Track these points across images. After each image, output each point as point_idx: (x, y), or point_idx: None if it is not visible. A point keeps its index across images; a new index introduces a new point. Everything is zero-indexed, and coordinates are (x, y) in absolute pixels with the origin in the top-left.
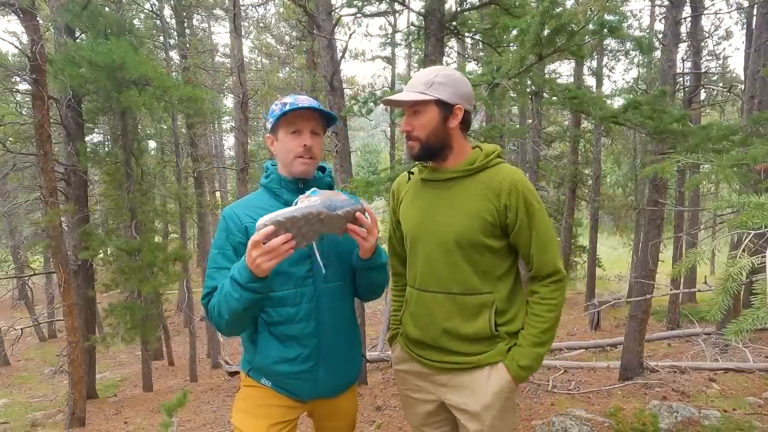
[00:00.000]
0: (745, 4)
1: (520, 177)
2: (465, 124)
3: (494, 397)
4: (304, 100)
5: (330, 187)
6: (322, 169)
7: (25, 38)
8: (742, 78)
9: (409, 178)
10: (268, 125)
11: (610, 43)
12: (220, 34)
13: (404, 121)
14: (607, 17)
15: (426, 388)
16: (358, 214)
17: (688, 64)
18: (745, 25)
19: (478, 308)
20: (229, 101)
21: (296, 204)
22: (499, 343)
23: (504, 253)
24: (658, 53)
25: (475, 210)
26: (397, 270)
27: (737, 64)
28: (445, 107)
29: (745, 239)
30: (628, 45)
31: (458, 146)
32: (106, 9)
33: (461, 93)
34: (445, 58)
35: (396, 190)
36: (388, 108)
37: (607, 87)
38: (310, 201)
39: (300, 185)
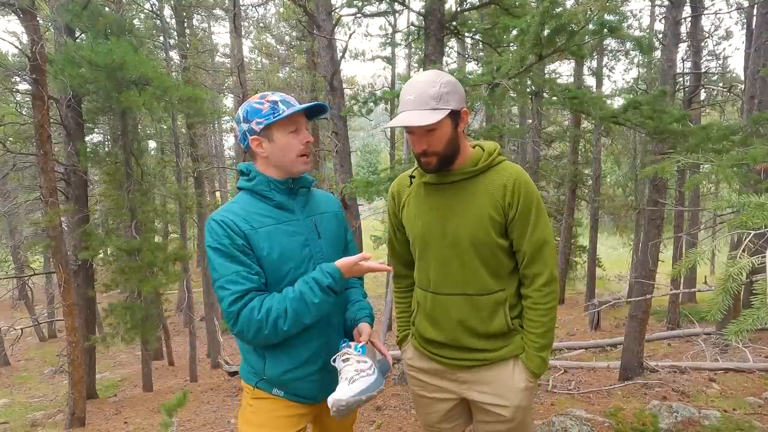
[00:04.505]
0: (745, 4)
1: (524, 176)
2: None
3: (522, 394)
4: (292, 99)
5: (311, 184)
6: None
7: (25, 38)
8: (742, 78)
9: (411, 182)
10: (255, 126)
11: (610, 43)
12: (220, 34)
13: (416, 140)
14: (607, 17)
15: (444, 387)
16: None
17: (688, 64)
18: (745, 25)
19: (494, 307)
20: (229, 101)
21: (345, 362)
22: (515, 336)
23: (512, 250)
24: (658, 53)
25: (484, 210)
26: (400, 272)
27: (737, 64)
28: (455, 115)
29: (745, 239)
30: (628, 45)
31: (463, 147)
32: (106, 9)
33: (462, 95)
34: (445, 58)
35: (396, 194)
36: (388, 108)
37: (607, 87)
38: (366, 367)
39: (290, 185)
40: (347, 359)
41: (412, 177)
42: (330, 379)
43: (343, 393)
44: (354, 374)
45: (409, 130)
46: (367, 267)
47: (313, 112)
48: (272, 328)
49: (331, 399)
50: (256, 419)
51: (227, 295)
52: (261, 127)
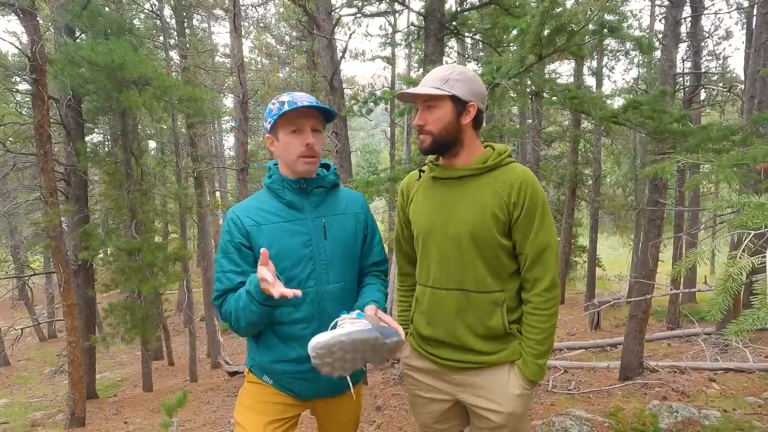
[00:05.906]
0: (745, 4)
1: (531, 177)
2: (477, 122)
3: (517, 402)
4: (303, 98)
5: (335, 185)
6: (326, 166)
7: (25, 38)
8: (742, 78)
9: (420, 177)
10: (267, 125)
11: (610, 43)
12: (220, 34)
13: (418, 115)
14: (607, 17)
15: (439, 387)
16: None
17: (688, 64)
18: (745, 25)
19: (492, 306)
20: (229, 101)
21: (340, 324)
22: (513, 341)
23: (514, 252)
24: (658, 53)
25: (488, 207)
26: (405, 270)
27: (737, 64)
28: (459, 104)
29: (745, 239)
30: (628, 45)
31: (469, 143)
32: (106, 9)
33: (475, 91)
34: (445, 58)
35: (405, 188)
36: (388, 108)
37: (607, 87)
38: (360, 324)
39: (302, 185)
40: (341, 323)
41: (421, 171)
42: (322, 380)
43: (322, 335)
44: (342, 324)
45: (414, 106)
46: (265, 287)
47: (324, 115)
48: (235, 323)
49: (310, 343)
50: (247, 401)
51: (214, 290)
52: (270, 126)
